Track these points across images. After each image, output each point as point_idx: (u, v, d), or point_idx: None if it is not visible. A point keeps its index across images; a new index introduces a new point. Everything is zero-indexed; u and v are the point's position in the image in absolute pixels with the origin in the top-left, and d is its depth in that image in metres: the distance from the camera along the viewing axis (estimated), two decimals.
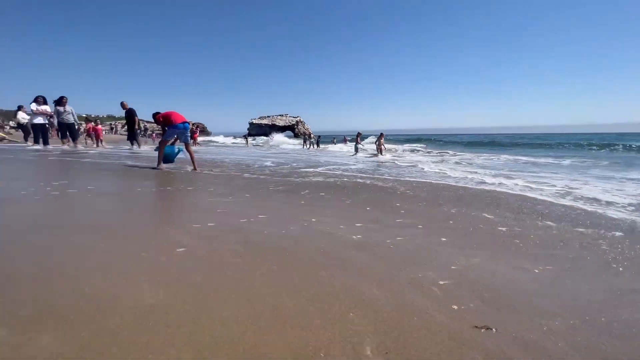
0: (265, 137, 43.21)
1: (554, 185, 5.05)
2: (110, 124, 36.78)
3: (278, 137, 38.47)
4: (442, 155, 14.16)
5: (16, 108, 13.39)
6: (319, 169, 6.65)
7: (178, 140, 5.17)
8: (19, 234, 1.78)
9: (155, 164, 4.93)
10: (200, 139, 29.76)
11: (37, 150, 7.79)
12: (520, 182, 5.48)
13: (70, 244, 1.67)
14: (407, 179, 5.49)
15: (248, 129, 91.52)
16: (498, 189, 4.57)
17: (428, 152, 18.18)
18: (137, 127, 9.83)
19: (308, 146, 20.43)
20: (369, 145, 19.79)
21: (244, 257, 1.65)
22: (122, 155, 7.63)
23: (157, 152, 4.96)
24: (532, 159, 11.79)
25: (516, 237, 2.28)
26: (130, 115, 9.56)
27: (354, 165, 8.13)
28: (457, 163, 9.95)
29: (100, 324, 0.99)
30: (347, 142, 29.01)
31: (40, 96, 8.85)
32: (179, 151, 5.17)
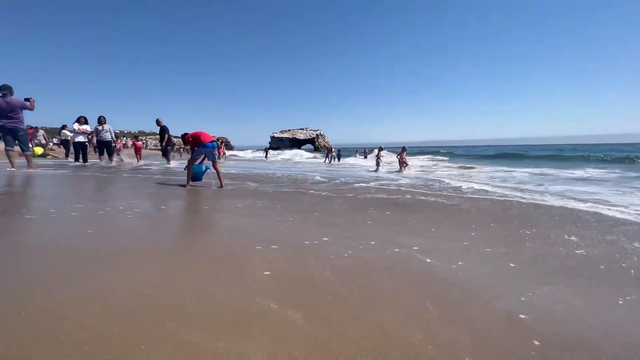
0: (279, 151, 44.18)
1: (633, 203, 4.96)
2: (141, 139, 38.84)
3: (289, 152, 39.62)
4: (469, 169, 13.76)
5: (60, 127, 14.55)
6: (371, 184, 6.86)
7: (206, 159, 5.37)
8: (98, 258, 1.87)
9: (184, 182, 5.10)
10: (228, 152, 30.93)
11: (77, 167, 8.32)
12: (584, 197, 5.45)
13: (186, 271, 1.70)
14: (466, 195, 5.46)
15: (270, 143, 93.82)
16: (567, 205, 4.55)
17: (451, 165, 17.69)
18: (165, 143, 10.38)
19: (330, 160, 20.46)
20: (383, 158, 19.59)
21: (341, 281, 1.66)
22: (156, 171, 8.00)
23: (185, 170, 5.16)
24: (569, 173, 11.17)
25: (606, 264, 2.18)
26: (162, 131, 10.34)
27: (400, 180, 8.12)
28: (491, 177, 9.58)
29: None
30: (367, 156, 29.10)
31: (82, 116, 9.63)
32: (206, 169, 5.35)
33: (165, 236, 2.41)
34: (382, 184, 6.93)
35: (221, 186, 5.10)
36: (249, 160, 23.20)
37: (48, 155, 13.83)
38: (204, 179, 5.56)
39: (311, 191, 5.42)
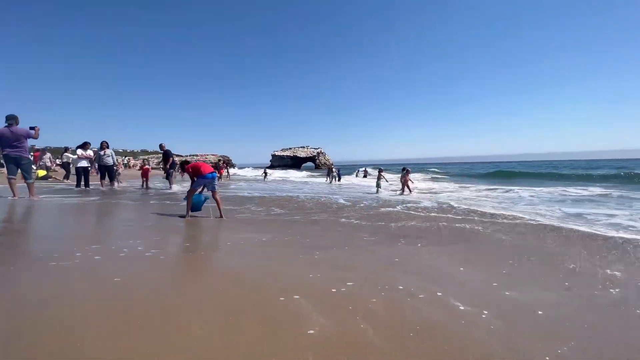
0: (274, 170, 43.68)
1: None
2: (143, 159, 39.22)
3: (287, 172, 39.55)
4: (474, 190, 13.60)
5: (63, 149, 14.75)
6: (398, 208, 6.90)
7: (205, 189, 5.39)
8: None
9: (184, 211, 5.06)
10: (231, 171, 30.89)
11: (79, 193, 8.34)
12: (604, 220, 5.44)
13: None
14: (492, 220, 5.47)
15: (271, 161, 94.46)
16: (597, 232, 4.46)
17: (453, 186, 17.60)
18: (169, 166, 10.55)
19: (331, 180, 20.40)
20: (383, 180, 19.53)
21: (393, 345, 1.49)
22: (159, 197, 7.98)
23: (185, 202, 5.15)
24: (574, 191, 10.99)
25: None
26: (165, 155, 10.75)
27: (421, 203, 8.09)
28: (499, 198, 9.40)
29: None
30: (367, 175, 29.22)
31: (87, 142, 9.88)
32: (205, 199, 5.33)
33: (174, 286, 2.27)
34: (409, 207, 7.04)
35: (221, 216, 5.09)
36: (250, 180, 23.21)
37: (50, 177, 13.93)
38: (207, 203, 5.51)
39: (317, 217, 5.41)
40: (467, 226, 4.85)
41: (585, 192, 10.88)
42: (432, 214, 6.10)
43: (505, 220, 5.39)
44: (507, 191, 12.02)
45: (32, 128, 6.53)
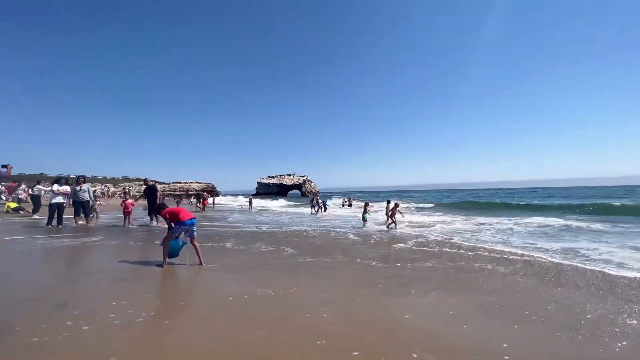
0: (259, 199, 42.72)
1: None
2: (124, 187, 38.07)
3: (271, 202, 38.81)
4: (462, 220, 13.64)
5: (36, 181, 14.16)
6: (409, 244, 7.10)
7: (183, 234, 5.05)
8: None
9: (161, 260, 4.77)
10: (216, 200, 29.85)
11: (51, 233, 7.86)
12: (595, 257, 5.73)
13: None
14: (497, 256, 5.74)
15: (256, 188, 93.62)
16: (606, 270, 4.61)
17: (442, 217, 17.76)
18: (158, 202, 9.96)
19: (316, 211, 20.22)
20: (369, 214, 19.54)
21: None
22: (138, 237, 7.60)
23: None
24: (556, 222, 11.21)
25: None
26: (152, 191, 10.08)
27: (431, 236, 8.32)
28: (491, 230, 9.44)
29: None
30: (352, 204, 29.58)
31: (63, 177, 9.55)
32: (183, 244, 5.02)
33: None
34: (421, 242, 7.37)
35: (200, 263, 4.83)
36: (236, 210, 22.73)
37: (23, 209, 13.23)
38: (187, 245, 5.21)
39: (310, 259, 5.13)
40: (489, 266, 5.03)
41: (566, 223, 11.18)
42: (445, 250, 6.43)
43: (516, 257, 5.69)
44: (499, 223, 12.31)
45: (4, 166, 6.26)
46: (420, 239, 7.85)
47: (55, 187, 9.16)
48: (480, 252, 6.14)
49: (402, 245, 7.03)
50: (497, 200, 31.93)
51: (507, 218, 14.68)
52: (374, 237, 8.54)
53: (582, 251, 6.39)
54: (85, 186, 9.50)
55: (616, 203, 20.71)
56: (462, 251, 6.27)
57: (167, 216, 4.77)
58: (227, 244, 6.84)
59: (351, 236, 8.55)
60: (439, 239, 8.00)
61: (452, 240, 7.68)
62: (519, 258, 5.64)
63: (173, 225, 4.75)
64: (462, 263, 5.23)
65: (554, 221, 12.50)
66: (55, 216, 9.06)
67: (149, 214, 10.59)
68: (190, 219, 4.81)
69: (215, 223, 11.95)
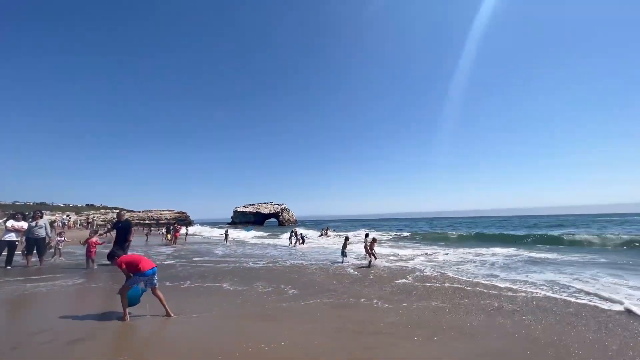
0: (233, 230, 41.09)
1: None
2: (87, 216, 35.57)
3: (246, 233, 37.73)
4: (446, 254, 13.62)
5: None
6: (410, 280, 7.39)
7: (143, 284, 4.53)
8: None
9: (123, 310, 4.24)
10: (191, 230, 28.16)
11: None
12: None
13: None
14: (500, 293, 5.98)
15: (232, 217, 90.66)
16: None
17: (423, 249, 17.80)
18: (129, 241, 9.09)
19: (294, 243, 19.70)
20: (348, 248, 19.36)
21: None
22: (102, 280, 6.87)
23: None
24: (543, 255, 11.48)
25: None
26: (125, 228, 9.01)
27: (429, 272, 8.48)
28: (481, 264, 9.45)
29: None
30: (329, 233, 29.74)
31: (20, 213, 8.71)
32: (143, 291, 4.49)
33: None
34: (423, 277, 7.75)
35: (167, 314, 4.35)
36: (211, 243, 21.65)
37: None
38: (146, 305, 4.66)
39: (302, 302, 4.82)
40: (496, 304, 5.22)
41: (543, 255, 11.50)
42: (456, 286, 6.74)
43: (518, 294, 5.95)
44: (477, 254, 12.61)
45: None
46: (423, 275, 8.12)
47: (10, 223, 8.26)
48: (479, 289, 6.43)
49: (404, 281, 6.85)
50: (472, 232, 32.91)
51: (484, 249, 15.05)
52: (372, 273, 8.28)
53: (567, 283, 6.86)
54: (42, 221, 8.61)
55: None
56: (456, 285, 6.77)
57: (124, 266, 4.26)
58: (243, 287, 6.31)
59: (354, 273, 8.24)
60: (435, 274, 8.28)
61: (445, 274, 8.11)
62: (521, 294, 5.90)
63: (132, 276, 4.28)
64: (466, 300, 5.53)
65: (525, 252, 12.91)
66: (5, 255, 8.09)
67: (109, 254, 9.50)
68: (152, 269, 4.36)
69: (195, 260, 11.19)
